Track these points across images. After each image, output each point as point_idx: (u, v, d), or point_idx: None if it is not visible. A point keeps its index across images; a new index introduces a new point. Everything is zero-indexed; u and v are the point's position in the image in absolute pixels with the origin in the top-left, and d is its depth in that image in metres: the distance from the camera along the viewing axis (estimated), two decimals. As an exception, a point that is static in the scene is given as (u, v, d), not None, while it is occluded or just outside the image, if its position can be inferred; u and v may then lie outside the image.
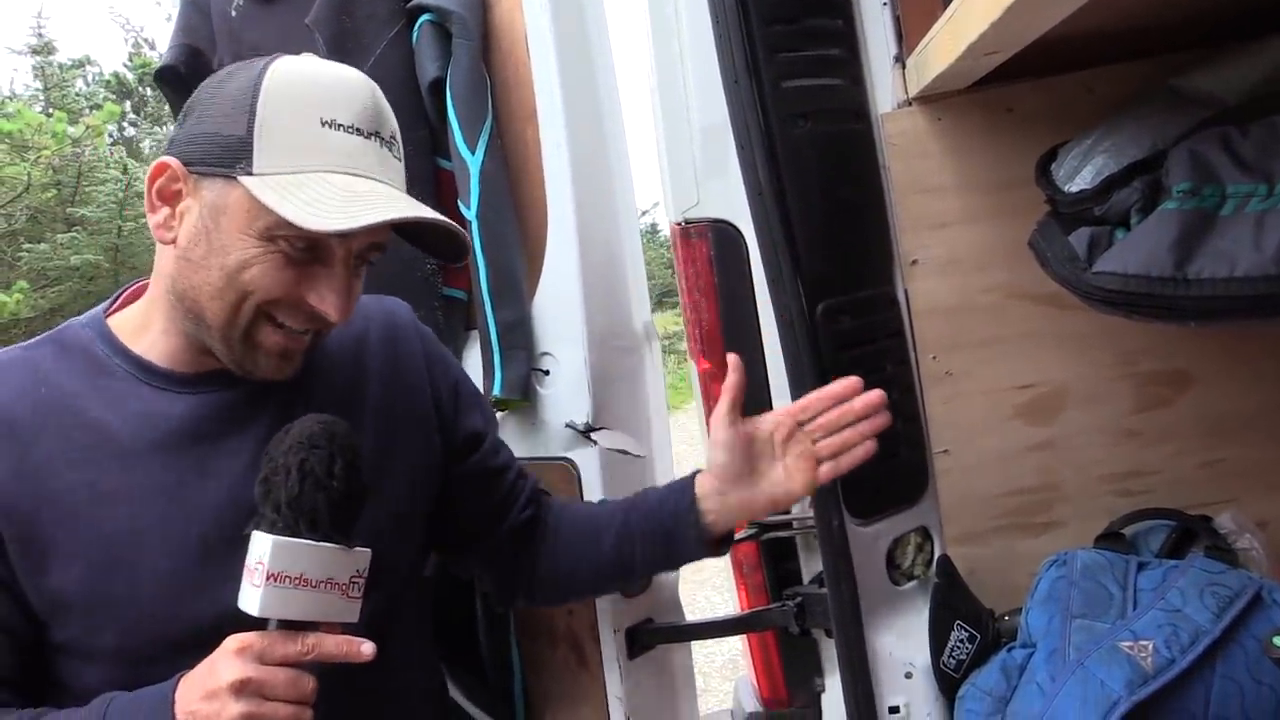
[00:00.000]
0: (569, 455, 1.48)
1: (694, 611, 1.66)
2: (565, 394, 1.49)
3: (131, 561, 0.96)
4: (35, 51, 14.38)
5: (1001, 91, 1.39)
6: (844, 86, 1.36)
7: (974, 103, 1.40)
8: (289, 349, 1.00)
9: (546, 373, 1.50)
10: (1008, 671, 1.28)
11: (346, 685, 0.97)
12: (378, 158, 0.96)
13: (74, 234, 10.86)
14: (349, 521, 0.90)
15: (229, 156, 0.92)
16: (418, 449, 1.16)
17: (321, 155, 0.92)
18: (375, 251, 1.01)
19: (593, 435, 1.46)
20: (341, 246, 0.96)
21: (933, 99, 1.40)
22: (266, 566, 0.85)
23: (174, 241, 0.97)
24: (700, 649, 1.64)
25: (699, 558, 1.22)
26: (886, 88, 1.41)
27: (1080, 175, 1.23)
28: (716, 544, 1.21)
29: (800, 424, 1.16)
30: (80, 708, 0.93)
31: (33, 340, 1.05)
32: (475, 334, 1.56)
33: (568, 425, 1.47)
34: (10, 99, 12.76)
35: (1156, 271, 1.09)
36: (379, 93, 0.99)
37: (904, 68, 1.40)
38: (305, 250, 0.94)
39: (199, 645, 0.89)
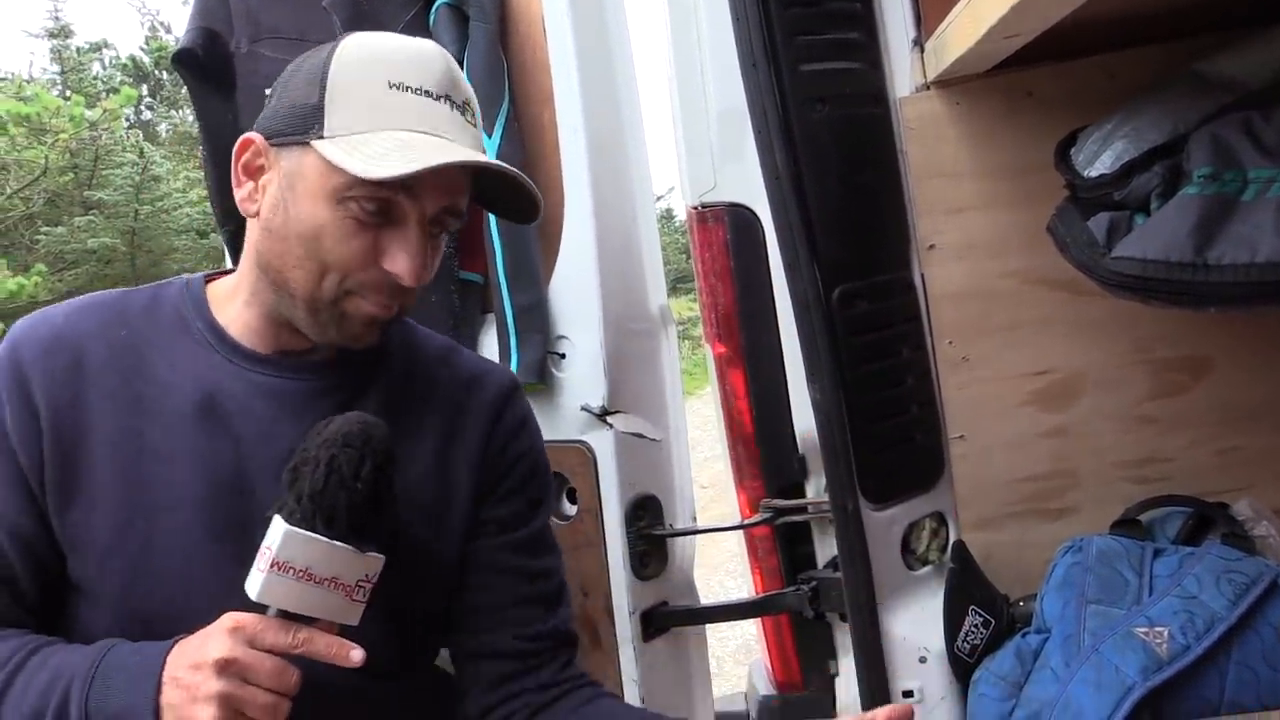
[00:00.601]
0: (585, 438, 1.49)
1: (707, 596, 1.67)
2: (581, 377, 1.49)
3: (152, 516, 0.97)
4: (52, 35, 14.44)
5: (1021, 75, 1.38)
6: (862, 70, 1.36)
7: (993, 87, 1.39)
8: (376, 320, 0.99)
9: (563, 356, 1.51)
10: (1022, 656, 1.28)
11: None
12: (448, 119, 0.96)
13: (91, 217, 10.92)
14: (368, 525, 0.89)
15: (303, 124, 0.94)
16: (445, 529, 1.09)
17: (389, 114, 0.93)
18: (452, 218, 0.99)
19: (608, 419, 1.47)
20: (414, 208, 0.95)
21: (951, 83, 1.39)
22: (274, 553, 0.85)
23: (257, 214, 0.99)
24: (713, 633, 1.65)
25: None
26: (905, 72, 1.41)
27: (1100, 160, 1.23)
28: None
29: None
30: (82, 646, 0.94)
31: (139, 286, 1.09)
32: (492, 318, 1.56)
33: (583, 409, 1.48)
34: (28, 82, 12.81)
35: (1176, 257, 1.08)
36: (452, 61, 0.99)
37: (922, 51, 1.39)
38: (376, 213, 0.94)
39: (201, 613, 0.90)
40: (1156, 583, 1.25)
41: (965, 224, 1.41)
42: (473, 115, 0.99)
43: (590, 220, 1.47)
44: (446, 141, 0.94)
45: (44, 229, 10.75)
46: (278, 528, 0.86)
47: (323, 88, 0.94)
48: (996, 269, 1.42)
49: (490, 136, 1.47)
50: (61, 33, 14.48)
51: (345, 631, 0.91)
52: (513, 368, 1.47)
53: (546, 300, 1.50)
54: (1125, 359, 1.42)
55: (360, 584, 0.89)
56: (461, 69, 1.48)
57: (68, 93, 12.46)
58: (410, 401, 1.09)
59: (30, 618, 0.99)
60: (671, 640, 1.55)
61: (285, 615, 0.87)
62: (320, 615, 0.88)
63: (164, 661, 0.88)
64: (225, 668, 0.84)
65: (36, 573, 0.98)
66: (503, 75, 1.49)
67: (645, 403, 1.54)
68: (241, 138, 0.99)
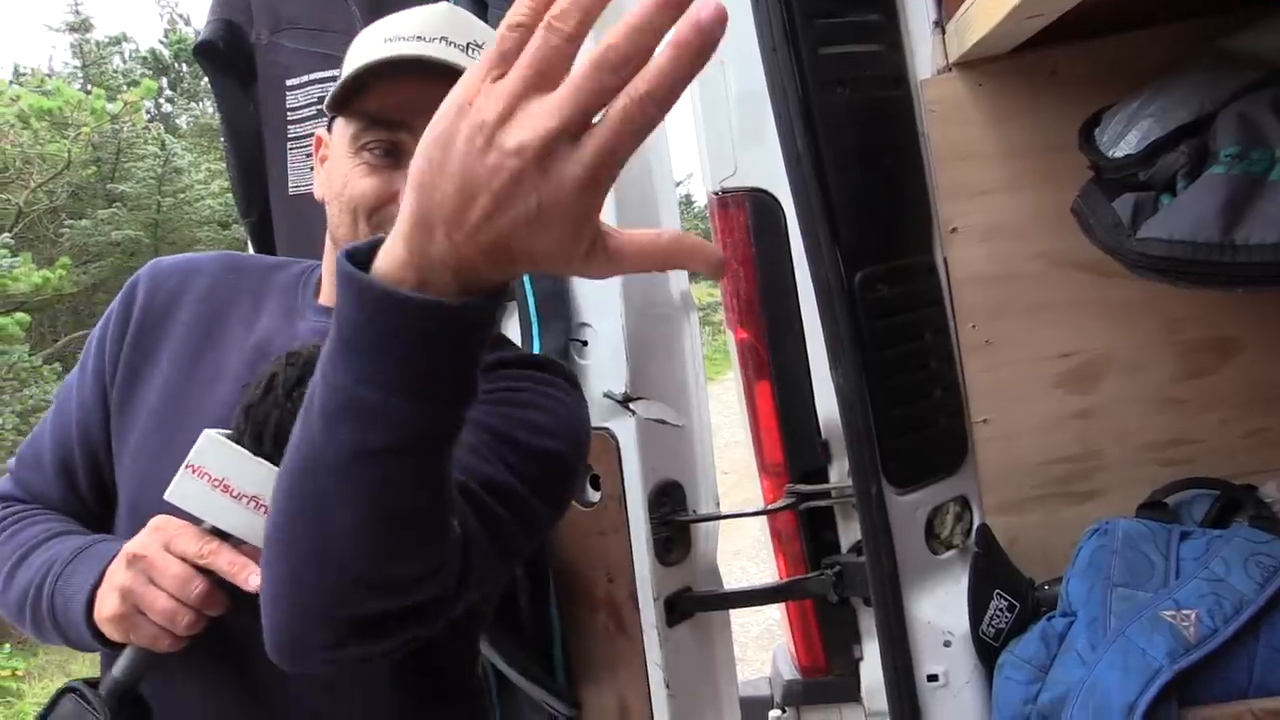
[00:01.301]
0: (608, 425, 1.49)
1: (730, 581, 1.67)
2: (603, 364, 1.49)
3: (178, 428, 1.00)
4: (73, 28, 14.53)
5: (1044, 55, 1.37)
6: (883, 52, 1.35)
7: (1015, 67, 1.38)
8: None
9: (585, 343, 1.51)
10: (1048, 640, 1.28)
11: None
12: (440, 51, 0.95)
13: (114, 210, 11.01)
14: None
15: (331, 102, 1.00)
16: None
17: (377, 56, 0.96)
18: None
19: (631, 405, 1.47)
20: (415, 142, 0.96)
21: (973, 64, 1.38)
22: (190, 457, 0.84)
23: (324, 197, 1.05)
24: (736, 618, 1.65)
25: None
26: (926, 53, 1.39)
27: (1125, 140, 1.21)
28: None
29: None
30: (88, 535, 1.00)
31: (278, 257, 1.17)
32: (513, 305, 1.57)
33: (606, 395, 1.48)
34: (49, 76, 12.90)
35: (1203, 238, 1.07)
36: (461, 12, 1.01)
37: (944, 33, 1.38)
38: (385, 154, 0.98)
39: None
40: (1183, 566, 1.24)
41: (988, 206, 1.40)
42: (470, 48, 0.98)
43: (611, 206, 1.46)
44: (418, 56, 0.94)
45: (68, 222, 10.84)
46: (203, 435, 0.85)
47: (342, 65, 1.01)
48: (1020, 251, 1.41)
49: (510, 124, 1.47)
50: (82, 26, 14.56)
51: None
52: (535, 355, 1.47)
53: (568, 287, 1.50)
54: (1151, 340, 1.41)
55: None
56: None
57: (89, 86, 12.54)
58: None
59: (83, 508, 1.06)
60: (696, 625, 1.55)
61: (217, 533, 0.86)
62: (244, 536, 0.85)
63: (115, 554, 0.90)
64: (133, 561, 0.87)
65: (93, 469, 1.05)
66: (522, 63, 1.49)
67: (667, 389, 1.54)
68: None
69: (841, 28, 1.29)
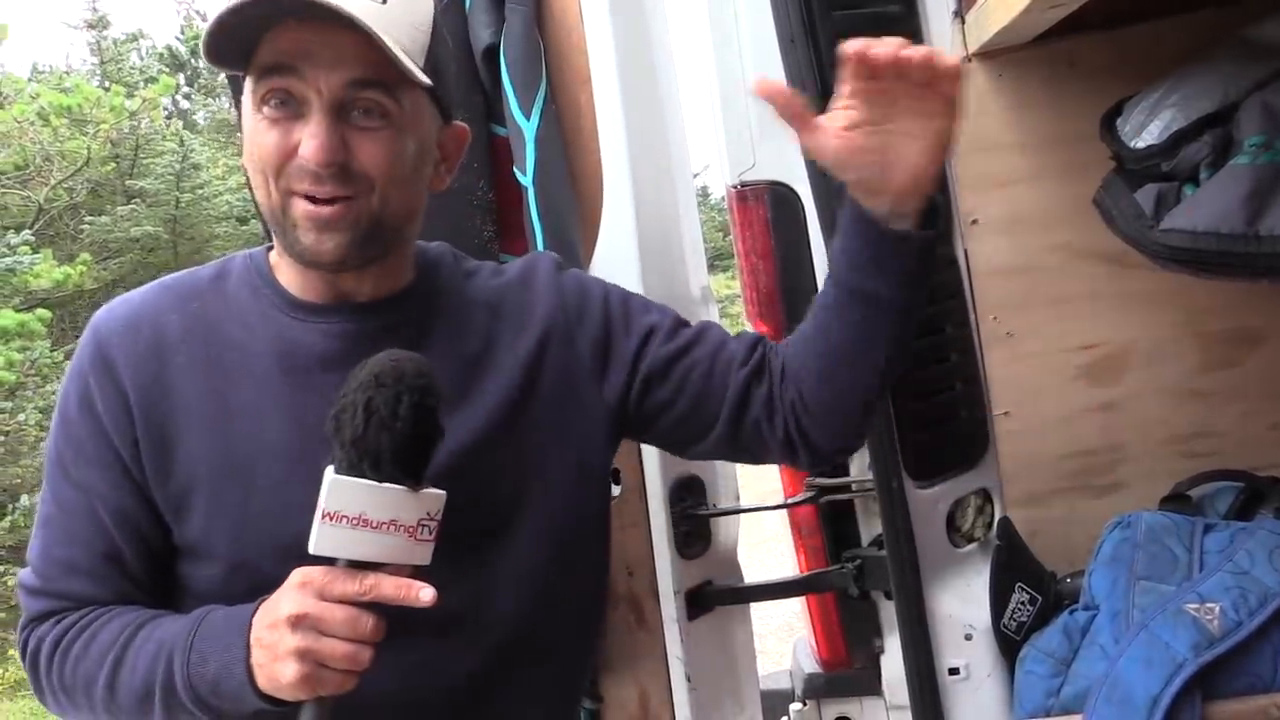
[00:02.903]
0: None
1: (750, 575, 1.67)
2: (622, 359, 1.49)
3: (249, 471, 1.01)
4: (90, 26, 14.61)
5: (1064, 45, 1.36)
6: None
7: (1036, 58, 1.37)
8: (318, 217, 0.98)
9: (603, 338, 1.51)
10: (1070, 633, 1.27)
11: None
12: None
13: (133, 206, 11.07)
14: (417, 463, 0.88)
15: (221, 55, 0.99)
16: (564, 418, 1.12)
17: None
18: (373, 92, 0.96)
19: (650, 399, 1.47)
20: (309, 89, 0.95)
21: (993, 55, 1.38)
22: (323, 505, 0.85)
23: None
24: (756, 612, 1.66)
25: (912, 249, 1.02)
26: (945, 44, 1.39)
27: (1147, 130, 1.21)
28: (918, 216, 1.01)
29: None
30: (182, 616, 0.98)
31: (206, 264, 1.14)
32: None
33: (625, 389, 1.48)
34: (67, 74, 12.99)
35: (1227, 228, 1.07)
36: None
37: (964, 23, 1.38)
38: (282, 105, 0.96)
39: (303, 558, 0.91)
40: (1207, 558, 1.23)
41: (1009, 198, 1.40)
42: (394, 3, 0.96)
43: (629, 201, 1.46)
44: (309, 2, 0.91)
45: (88, 219, 10.91)
46: (325, 479, 0.86)
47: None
48: (1041, 243, 1.40)
49: (529, 119, 1.47)
50: (99, 24, 14.65)
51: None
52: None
53: (587, 282, 1.50)
54: (1175, 332, 1.40)
55: (423, 522, 0.88)
56: (499, 53, 1.49)
57: (107, 83, 12.61)
58: (476, 319, 1.11)
59: (139, 592, 1.04)
60: (716, 619, 1.55)
61: (354, 565, 0.87)
62: (386, 560, 0.87)
63: (250, 623, 0.91)
64: (298, 623, 0.86)
65: (141, 547, 1.03)
66: (539, 58, 1.49)
67: (687, 383, 1.54)
68: None
69: (860, 20, 1.29)
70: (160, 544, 1.03)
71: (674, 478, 1.49)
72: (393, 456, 0.86)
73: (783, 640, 4.15)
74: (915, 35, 1.36)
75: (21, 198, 10.59)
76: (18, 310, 8.58)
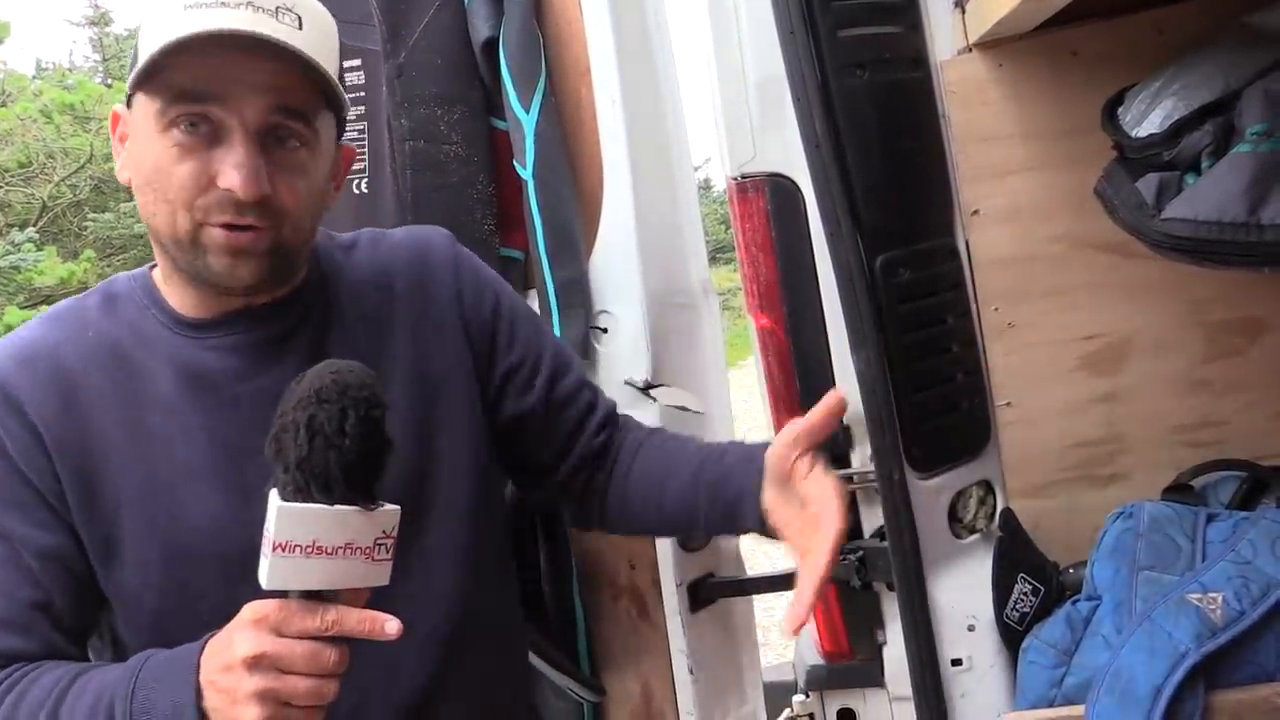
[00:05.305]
0: (628, 413, 1.49)
1: (754, 566, 1.67)
2: (624, 352, 1.49)
3: (173, 493, 0.98)
4: (92, 23, 14.63)
5: (1065, 34, 1.36)
6: (902, 34, 1.34)
7: (1036, 47, 1.37)
8: (235, 245, 0.95)
9: (605, 331, 1.51)
10: (1073, 624, 1.27)
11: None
12: (248, 19, 0.91)
13: (136, 203, 11.09)
14: (368, 480, 0.82)
15: (133, 78, 0.95)
16: (457, 398, 1.12)
17: (179, 30, 0.90)
18: (294, 122, 0.95)
19: (652, 392, 1.47)
20: (233, 116, 0.92)
21: (994, 44, 1.37)
22: (272, 535, 0.79)
23: (130, 181, 0.99)
24: (759, 603, 1.66)
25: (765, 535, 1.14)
26: (946, 34, 1.38)
27: (1148, 119, 1.20)
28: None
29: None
30: (118, 664, 0.93)
31: (85, 291, 1.09)
32: (534, 293, 1.57)
33: (627, 383, 1.48)
34: (70, 71, 12.99)
35: (1229, 217, 1.06)
36: None
37: (964, 13, 1.37)
38: (195, 130, 0.92)
39: (241, 583, 0.87)
40: (1210, 548, 1.23)
41: (1010, 188, 1.39)
42: (290, 18, 0.93)
43: (630, 193, 1.46)
44: (233, 30, 0.90)
45: (91, 215, 10.94)
46: (271, 506, 0.80)
47: (138, 35, 0.95)
48: (1043, 233, 1.40)
49: (529, 112, 1.47)
50: (101, 20, 14.66)
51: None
52: (556, 344, 1.48)
53: (587, 275, 1.50)
54: (1177, 322, 1.40)
55: (379, 541, 0.82)
56: (498, 46, 1.49)
57: (109, 80, 12.62)
58: (377, 303, 1.10)
59: (68, 644, 0.98)
60: (718, 611, 1.55)
61: (308, 595, 0.82)
62: (343, 586, 0.82)
63: (197, 664, 0.86)
64: (256, 663, 0.81)
65: (70, 591, 0.97)
66: (539, 50, 1.48)
67: (688, 376, 1.54)
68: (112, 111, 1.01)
69: (860, 10, 1.28)
70: (89, 584, 0.98)
71: (676, 470, 1.49)
72: (343, 476, 0.80)
73: (785, 632, 4.14)
74: (915, 25, 1.35)
75: (25, 195, 10.61)
76: (22, 307, 8.61)
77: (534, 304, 1.56)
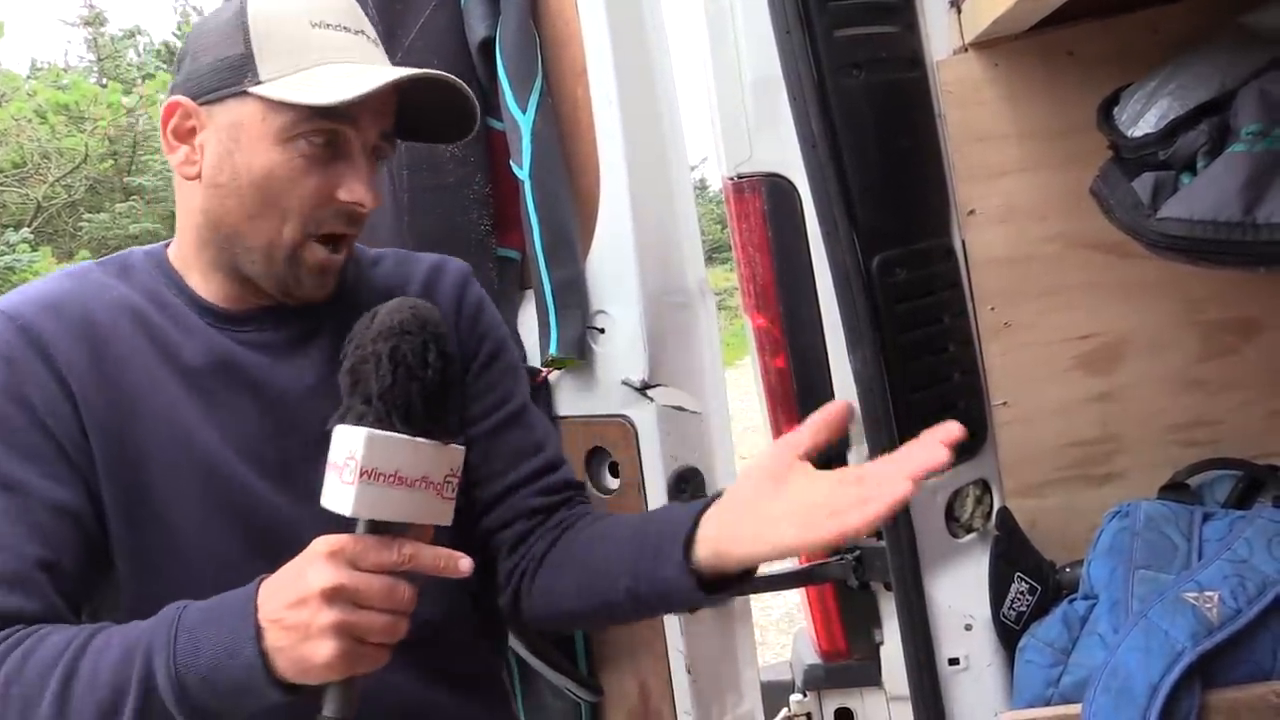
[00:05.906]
0: (625, 412, 1.49)
1: (751, 566, 1.67)
2: (621, 352, 1.49)
3: (212, 464, 0.98)
4: (87, 23, 14.60)
5: (1061, 34, 1.36)
6: (898, 33, 1.34)
7: (1032, 47, 1.37)
8: (331, 265, 1.02)
9: (602, 331, 1.51)
10: (1069, 623, 1.27)
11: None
12: (369, 50, 1.01)
13: (132, 203, 11.08)
14: (444, 415, 0.83)
15: (235, 75, 0.96)
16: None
17: (319, 52, 0.96)
18: (387, 145, 1.03)
19: (649, 392, 1.47)
20: (358, 137, 0.98)
21: (989, 44, 1.37)
22: (359, 462, 0.78)
23: (198, 176, 0.99)
24: (756, 603, 1.66)
25: (690, 600, 0.96)
26: (942, 34, 1.38)
27: (1144, 119, 1.20)
28: (711, 582, 0.94)
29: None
30: (141, 621, 0.87)
31: (99, 259, 1.09)
32: (530, 294, 1.57)
33: (624, 383, 1.48)
34: (65, 71, 12.97)
35: (1224, 216, 1.06)
36: None
37: (960, 12, 1.37)
38: (324, 145, 0.96)
39: (271, 551, 0.87)
40: (1206, 547, 1.23)
41: (1006, 188, 1.39)
42: (378, 42, 1.05)
43: (626, 194, 1.46)
44: (377, 67, 0.99)
45: (86, 216, 10.93)
46: (355, 435, 0.79)
47: (247, 38, 0.96)
48: (1039, 233, 1.40)
49: (525, 112, 1.47)
50: (96, 20, 14.63)
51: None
52: (552, 343, 1.48)
53: (584, 275, 1.50)
54: (1173, 321, 1.40)
55: (448, 479, 0.83)
56: (494, 46, 1.49)
57: (104, 80, 12.60)
58: None
59: (69, 611, 0.93)
60: (716, 611, 1.55)
61: (375, 527, 0.81)
62: (413, 520, 0.82)
63: (255, 606, 0.82)
64: (334, 595, 0.79)
65: (80, 551, 0.93)
66: (535, 51, 1.48)
67: (685, 375, 1.54)
68: (165, 103, 1.00)
69: (856, 10, 1.28)
70: (98, 546, 0.95)
71: (673, 471, 1.49)
72: (424, 408, 0.81)
73: (783, 632, 4.15)
74: (911, 25, 1.35)
75: (20, 195, 10.58)
76: (17, 308, 8.57)
77: (531, 304, 1.56)
